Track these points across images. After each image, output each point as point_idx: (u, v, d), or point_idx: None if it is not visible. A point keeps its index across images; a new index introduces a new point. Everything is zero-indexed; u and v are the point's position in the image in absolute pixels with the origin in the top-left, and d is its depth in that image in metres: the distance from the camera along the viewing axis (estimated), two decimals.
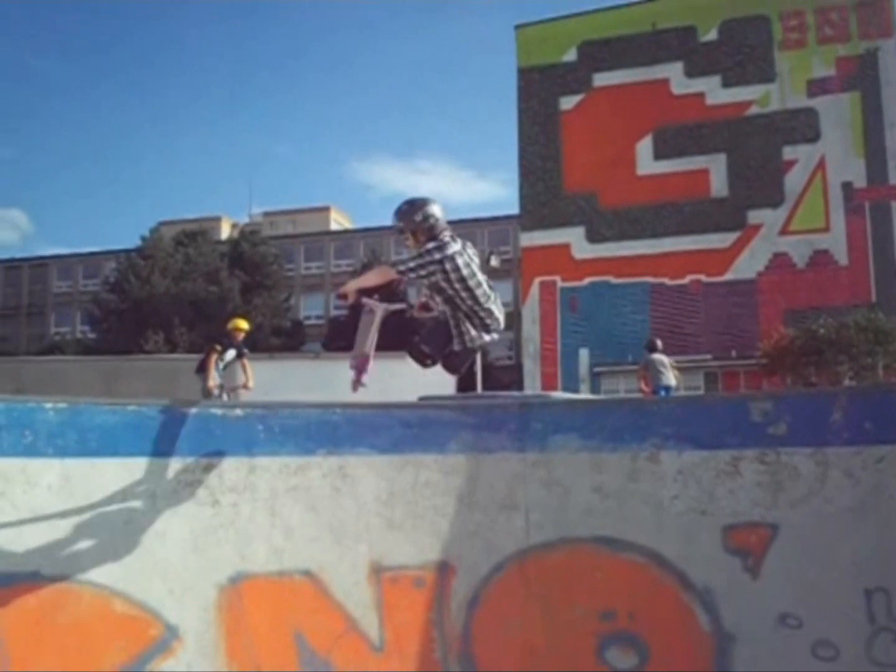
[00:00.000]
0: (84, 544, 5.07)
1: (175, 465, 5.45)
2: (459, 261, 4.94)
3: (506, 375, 34.17)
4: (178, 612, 5.03)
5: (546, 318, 28.41)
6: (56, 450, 5.18)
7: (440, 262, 4.89)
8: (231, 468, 5.55)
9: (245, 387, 12.01)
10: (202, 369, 11.57)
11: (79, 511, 5.13)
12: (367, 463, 5.67)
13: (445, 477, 5.64)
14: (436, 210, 5.02)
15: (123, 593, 4.99)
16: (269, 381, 13.69)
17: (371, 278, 5.09)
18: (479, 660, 5.07)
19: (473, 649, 5.11)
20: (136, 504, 5.29)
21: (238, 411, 5.77)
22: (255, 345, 31.28)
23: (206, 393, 11.23)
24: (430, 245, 4.92)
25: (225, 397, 11.37)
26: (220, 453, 5.57)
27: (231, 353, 11.74)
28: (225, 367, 11.67)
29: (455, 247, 4.95)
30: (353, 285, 5.10)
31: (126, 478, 5.32)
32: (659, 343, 14.13)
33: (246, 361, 12.18)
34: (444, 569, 5.39)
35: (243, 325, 12.12)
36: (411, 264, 4.90)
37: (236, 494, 5.50)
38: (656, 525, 5.32)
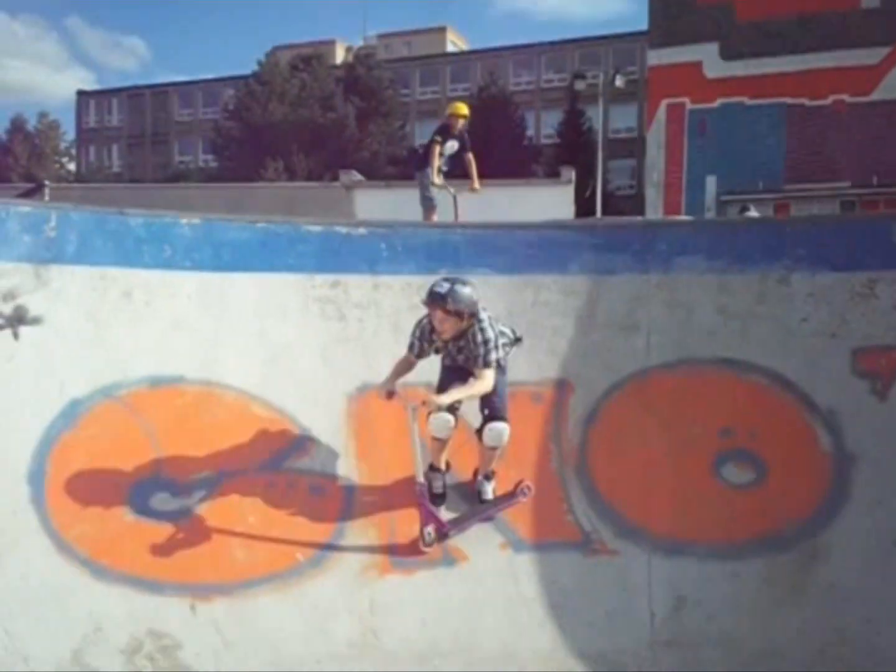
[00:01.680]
0: (223, 353, 5.39)
1: (303, 281, 5.65)
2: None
3: (627, 205, 33.26)
4: (311, 418, 5.35)
5: (672, 144, 27.01)
6: (193, 263, 5.45)
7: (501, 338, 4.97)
8: (356, 285, 5.72)
9: (471, 188, 9.87)
10: (422, 166, 9.70)
11: (216, 322, 5.43)
12: (487, 283, 5.71)
13: (565, 298, 5.65)
14: None
15: (261, 398, 5.33)
16: (387, 210, 13.70)
17: (480, 389, 4.82)
18: (595, 472, 5.23)
19: (590, 462, 5.26)
20: (268, 317, 5.55)
21: (361, 230, 5.87)
22: (372, 173, 31.38)
23: (427, 191, 9.84)
24: (491, 331, 4.82)
25: (452, 191, 9.83)
26: (345, 270, 5.73)
27: (452, 145, 10.02)
28: (449, 159, 9.98)
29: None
30: (453, 396, 4.79)
31: (258, 292, 5.56)
32: (752, 206, 13.68)
33: (471, 157, 9.85)
34: (562, 386, 5.49)
35: (463, 109, 9.74)
36: (500, 354, 4.89)
37: (361, 310, 5.69)
38: (782, 347, 5.23)
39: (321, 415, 5.37)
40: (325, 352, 5.56)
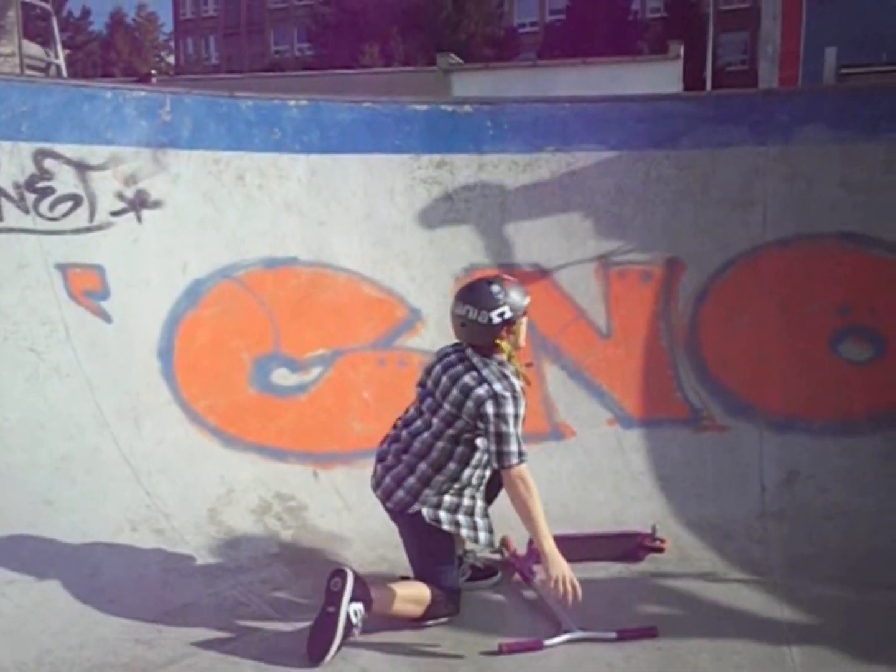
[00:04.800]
0: (333, 235, 5.49)
1: (409, 161, 5.65)
2: None
3: (738, 81, 31.58)
4: (420, 298, 5.45)
5: (789, 13, 25.14)
6: (302, 146, 5.51)
7: None
8: (462, 165, 5.68)
9: None
10: None
11: (326, 204, 5.52)
12: (596, 159, 5.60)
13: (678, 173, 5.48)
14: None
15: (371, 279, 5.44)
16: (486, 92, 13.46)
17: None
18: (705, 350, 5.19)
19: (700, 340, 5.22)
20: (375, 199, 5.60)
21: (467, 107, 5.79)
22: (468, 56, 30.58)
23: None
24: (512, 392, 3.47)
25: None
26: (450, 150, 5.69)
27: None
28: None
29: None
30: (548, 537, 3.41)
31: (365, 173, 5.60)
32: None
33: None
34: (672, 264, 5.40)
35: None
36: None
37: (468, 191, 5.67)
38: None
39: (429, 295, 5.46)
40: (432, 233, 5.60)
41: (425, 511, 3.51)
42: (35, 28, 16.54)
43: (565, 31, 37.84)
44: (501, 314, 3.49)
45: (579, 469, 4.86)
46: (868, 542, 4.13)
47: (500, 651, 3.33)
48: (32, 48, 12.75)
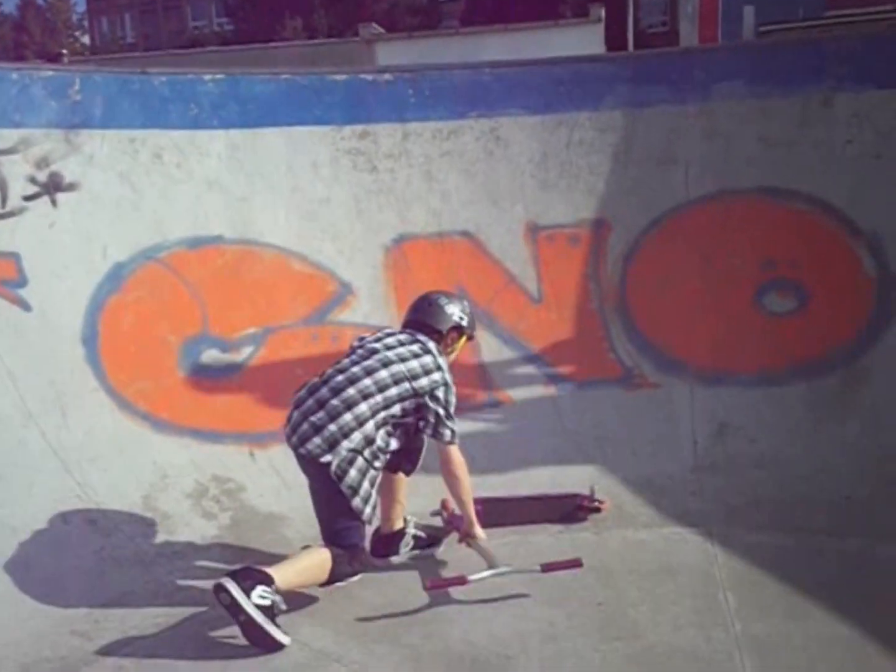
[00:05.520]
0: (258, 211, 5.39)
1: (332, 133, 5.56)
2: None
3: (660, 42, 31.81)
4: (350, 271, 5.40)
5: None
6: (220, 121, 5.38)
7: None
8: (385, 134, 5.62)
9: None
10: None
11: (249, 180, 5.40)
12: (519, 124, 5.59)
13: (600, 134, 5.51)
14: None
15: (299, 254, 5.36)
16: (410, 62, 13.31)
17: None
18: (635, 309, 5.26)
19: (629, 299, 5.28)
20: (299, 172, 5.50)
21: (387, 76, 5.71)
22: (392, 25, 30.21)
23: None
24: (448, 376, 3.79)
25: None
26: (373, 120, 5.62)
27: None
28: None
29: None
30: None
31: (288, 147, 5.49)
32: None
33: None
34: (599, 226, 5.44)
35: None
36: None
37: (393, 160, 5.62)
38: (826, 172, 5.10)
39: (359, 267, 5.41)
40: (358, 204, 5.54)
41: (335, 464, 3.46)
42: None
43: None
44: (461, 318, 3.97)
45: (517, 433, 4.88)
46: (798, 488, 4.24)
47: (425, 588, 3.37)
48: None
